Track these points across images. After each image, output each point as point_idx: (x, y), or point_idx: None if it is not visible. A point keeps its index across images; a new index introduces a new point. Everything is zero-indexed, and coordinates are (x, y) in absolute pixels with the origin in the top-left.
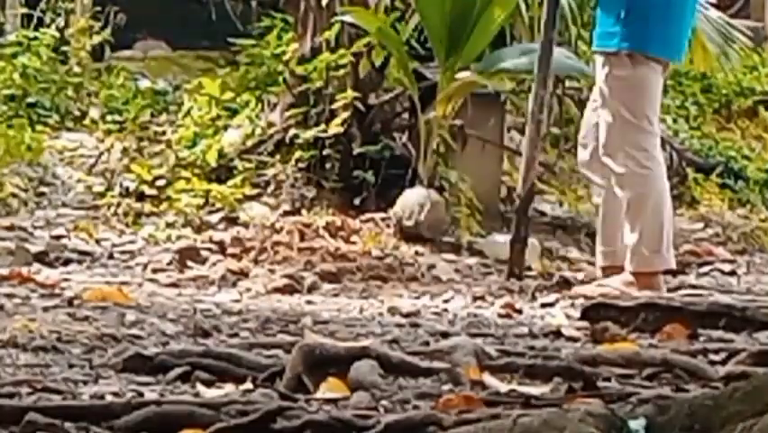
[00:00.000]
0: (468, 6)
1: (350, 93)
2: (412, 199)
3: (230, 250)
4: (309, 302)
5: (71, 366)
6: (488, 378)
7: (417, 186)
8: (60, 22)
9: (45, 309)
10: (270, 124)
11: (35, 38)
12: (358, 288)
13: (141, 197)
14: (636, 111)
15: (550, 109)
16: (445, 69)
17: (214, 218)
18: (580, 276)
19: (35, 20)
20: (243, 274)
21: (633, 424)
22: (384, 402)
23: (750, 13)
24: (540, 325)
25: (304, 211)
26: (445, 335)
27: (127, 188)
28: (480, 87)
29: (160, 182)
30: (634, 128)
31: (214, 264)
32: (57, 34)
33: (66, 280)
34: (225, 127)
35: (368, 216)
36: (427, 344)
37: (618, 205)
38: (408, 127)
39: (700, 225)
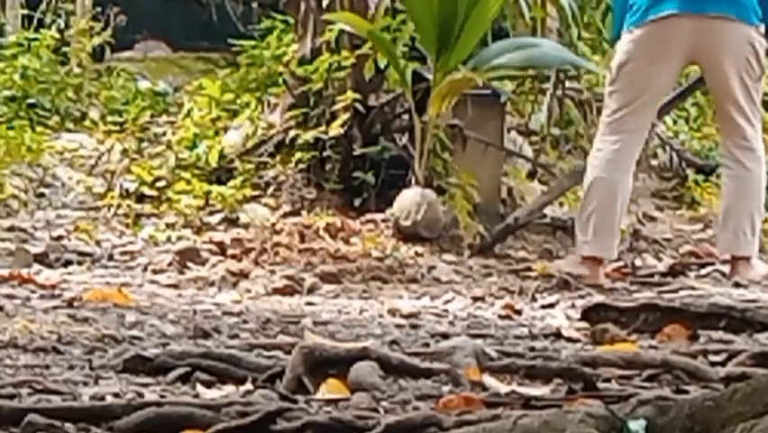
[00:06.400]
0: (456, 3)
1: (350, 94)
2: (409, 199)
3: (230, 251)
4: (309, 303)
5: (71, 367)
6: (488, 379)
7: (414, 186)
8: (61, 23)
9: (45, 310)
10: (271, 126)
11: (35, 39)
12: (358, 289)
13: (141, 198)
14: None
15: (550, 111)
16: (437, 69)
17: (214, 219)
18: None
19: (36, 21)
20: (244, 275)
21: (633, 425)
22: (384, 403)
23: None
24: (540, 326)
25: (304, 212)
26: (445, 336)
27: (127, 190)
28: (474, 84)
29: (161, 183)
30: None
31: (214, 265)
32: (57, 35)
33: (66, 281)
34: (225, 128)
35: (368, 217)
36: (427, 345)
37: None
38: (408, 128)
39: (700, 225)
